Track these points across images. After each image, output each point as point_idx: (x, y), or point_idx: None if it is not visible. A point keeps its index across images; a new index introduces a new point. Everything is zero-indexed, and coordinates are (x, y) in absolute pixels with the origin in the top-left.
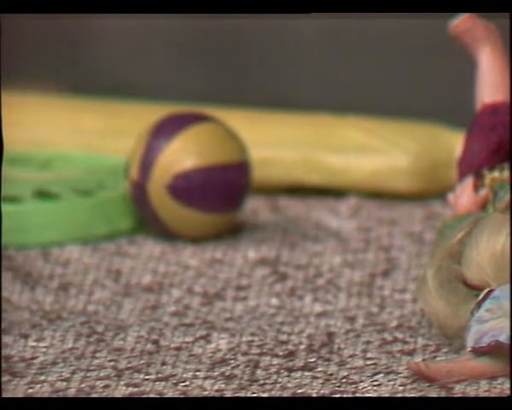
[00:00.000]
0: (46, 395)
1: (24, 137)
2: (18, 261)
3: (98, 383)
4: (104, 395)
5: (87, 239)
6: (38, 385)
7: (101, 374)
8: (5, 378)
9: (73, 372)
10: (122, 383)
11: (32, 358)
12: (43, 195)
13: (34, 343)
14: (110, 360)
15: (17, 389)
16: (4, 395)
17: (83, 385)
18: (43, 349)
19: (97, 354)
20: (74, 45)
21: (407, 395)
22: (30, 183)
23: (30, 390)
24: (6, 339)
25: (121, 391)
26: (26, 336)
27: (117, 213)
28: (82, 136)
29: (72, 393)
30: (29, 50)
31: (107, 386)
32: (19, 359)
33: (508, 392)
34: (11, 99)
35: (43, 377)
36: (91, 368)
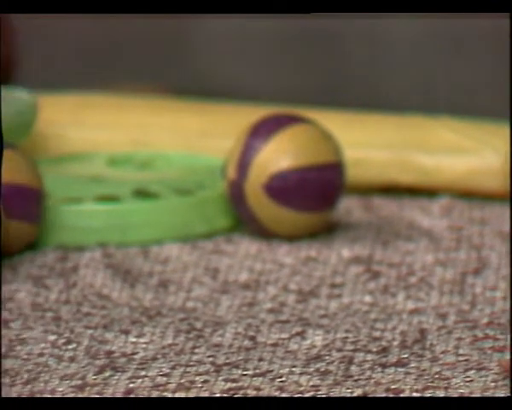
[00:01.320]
0: (147, 390)
1: (124, 137)
2: (118, 259)
3: (197, 378)
4: (203, 389)
5: (186, 237)
6: (139, 380)
7: (201, 369)
8: (107, 374)
9: (173, 368)
10: (220, 378)
11: (133, 353)
12: (142, 194)
13: (134, 339)
14: (209, 356)
15: (119, 383)
16: (106, 389)
17: (182, 380)
18: (144, 345)
19: (196, 350)
20: (174, 46)
21: (498, 391)
22: (130, 182)
23: (131, 385)
24: (107, 335)
25: (220, 387)
26: (126, 333)
27: (215, 213)
28: (181, 136)
29: (172, 388)
30: (130, 52)
31: (206, 381)
32: (120, 354)
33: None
34: (113, 101)
35: (143, 373)
36: (191, 364)
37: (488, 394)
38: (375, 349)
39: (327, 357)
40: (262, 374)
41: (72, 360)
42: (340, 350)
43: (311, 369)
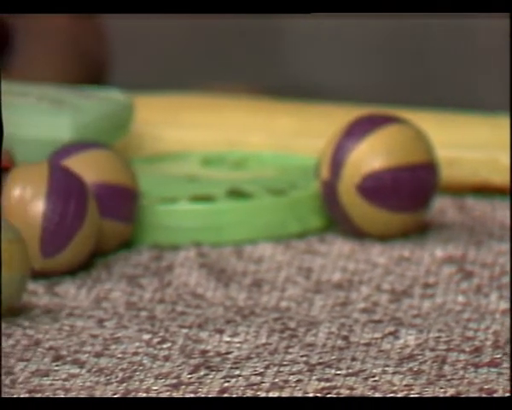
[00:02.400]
0: (241, 390)
1: (218, 137)
2: (212, 259)
3: (291, 377)
4: (297, 389)
5: (279, 237)
6: (234, 379)
7: (294, 369)
8: (201, 373)
9: (267, 367)
10: (314, 377)
11: (227, 352)
12: (236, 194)
13: (229, 338)
14: (302, 356)
15: (213, 382)
16: (201, 388)
17: (276, 380)
18: (238, 344)
19: (290, 350)
20: (268, 47)
21: None
22: (223, 182)
23: (225, 384)
24: (201, 334)
25: (313, 386)
26: (220, 332)
27: (308, 212)
28: (275, 136)
29: (266, 387)
30: (224, 52)
31: (299, 381)
32: (214, 353)
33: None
34: (208, 101)
35: (237, 372)
36: (284, 363)
37: None
38: (468, 349)
39: (420, 357)
40: (355, 374)
41: (166, 359)
42: (433, 350)
43: (404, 368)
